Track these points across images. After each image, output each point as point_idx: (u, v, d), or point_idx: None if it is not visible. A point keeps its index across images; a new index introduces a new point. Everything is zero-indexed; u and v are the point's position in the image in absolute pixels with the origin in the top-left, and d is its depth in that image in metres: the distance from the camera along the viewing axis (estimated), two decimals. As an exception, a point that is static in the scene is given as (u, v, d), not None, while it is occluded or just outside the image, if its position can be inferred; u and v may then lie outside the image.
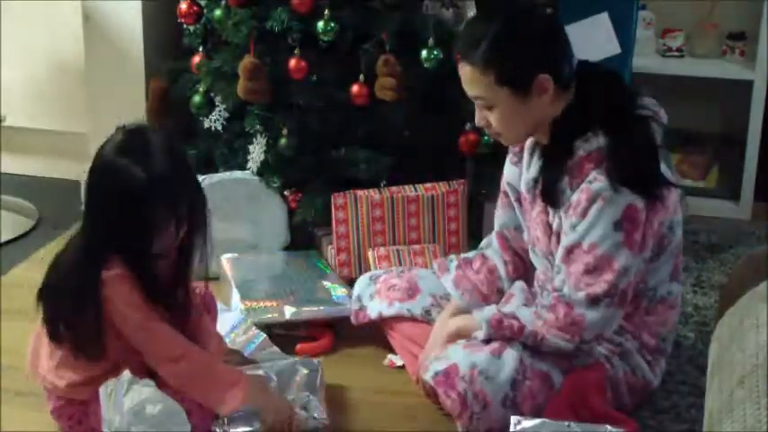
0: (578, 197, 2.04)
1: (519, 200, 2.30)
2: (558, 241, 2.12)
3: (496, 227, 2.40)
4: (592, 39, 3.04)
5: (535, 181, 2.16)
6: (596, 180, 2.02)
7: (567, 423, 1.85)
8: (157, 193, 1.94)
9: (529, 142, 2.23)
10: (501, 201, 2.38)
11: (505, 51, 2.06)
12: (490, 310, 2.14)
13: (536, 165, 2.18)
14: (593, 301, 2.04)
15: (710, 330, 1.77)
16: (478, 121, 2.15)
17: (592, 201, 2.02)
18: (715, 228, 3.30)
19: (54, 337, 2.01)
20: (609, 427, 1.87)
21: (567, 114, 2.10)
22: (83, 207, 2.04)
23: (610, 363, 2.16)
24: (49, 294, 2.02)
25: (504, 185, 2.35)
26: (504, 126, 2.12)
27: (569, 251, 2.06)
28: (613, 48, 3.09)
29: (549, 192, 2.11)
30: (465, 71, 2.10)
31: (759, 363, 1.41)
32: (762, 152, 3.41)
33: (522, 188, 2.24)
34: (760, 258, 2.09)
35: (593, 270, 2.03)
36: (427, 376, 2.09)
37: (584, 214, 2.03)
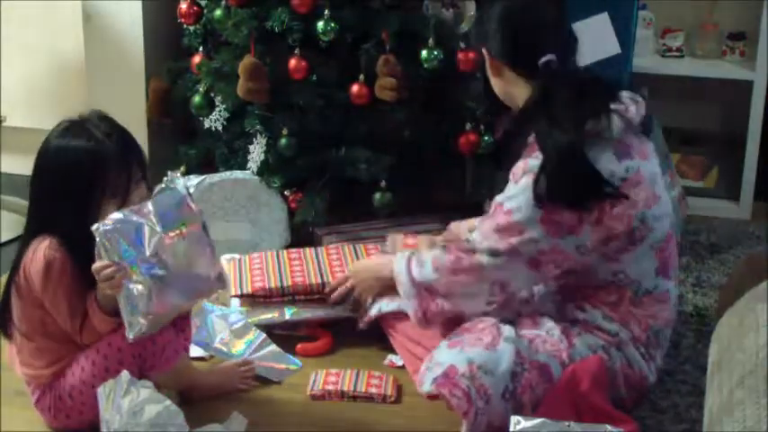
0: (517, 164, 2.14)
1: None
2: None
3: None
4: (592, 39, 3.04)
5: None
6: (537, 157, 2.10)
7: (567, 423, 1.85)
8: (88, 160, 2.06)
9: None
10: None
11: (480, 20, 2.34)
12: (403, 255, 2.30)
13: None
14: (493, 252, 2.13)
15: (710, 330, 1.77)
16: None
17: (524, 172, 2.11)
18: (715, 228, 3.30)
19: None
20: (609, 427, 1.87)
21: (525, 106, 2.20)
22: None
23: (608, 353, 2.16)
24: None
25: None
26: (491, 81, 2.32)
27: (493, 208, 2.16)
28: (613, 48, 3.09)
29: (506, 159, 2.22)
30: None
31: (759, 363, 1.41)
32: (762, 152, 3.41)
33: None
34: (760, 258, 2.09)
35: (502, 230, 2.12)
36: (426, 387, 2.09)
37: (516, 180, 2.13)
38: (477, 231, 2.19)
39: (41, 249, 2.06)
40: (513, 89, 2.23)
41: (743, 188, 3.44)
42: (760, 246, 3.14)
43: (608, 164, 2.10)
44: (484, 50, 2.27)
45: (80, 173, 2.07)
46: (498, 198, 2.16)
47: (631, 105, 2.17)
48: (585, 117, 2.12)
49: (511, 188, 2.14)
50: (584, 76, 2.24)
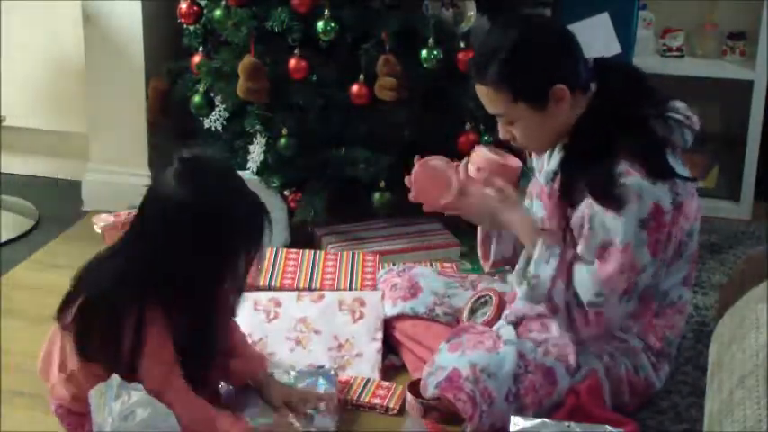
0: (609, 188, 2.02)
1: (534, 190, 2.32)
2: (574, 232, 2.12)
3: None
4: (592, 39, 3.04)
5: (555, 173, 2.17)
6: (627, 173, 2.01)
7: (567, 423, 1.85)
8: (230, 232, 1.92)
9: None
10: None
11: (517, 68, 2.06)
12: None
13: (556, 158, 2.17)
14: (620, 298, 2.06)
15: (710, 330, 1.77)
16: (503, 135, 2.17)
17: (622, 200, 2.01)
18: (715, 228, 3.30)
19: (84, 354, 1.99)
20: (609, 427, 1.87)
21: (589, 113, 2.10)
22: (133, 231, 2.00)
23: (612, 358, 2.16)
24: (84, 313, 1.98)
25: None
26: (528, 138, 2.14)
27: (604, 248, 2.04)
28: (614, 48, 3.09)
29: (567, 188, 2.11)
30: (481, 91, 2.12)
31: (759, 363, 1.41)
32: (762, 152, 3.41)
33: (542, 179, 2.24)
34: (760, 258, 2.08)
35: (626, 270, 2.03)
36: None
37: (615, 210, 2.02)
38: (593, 282, 2.05)
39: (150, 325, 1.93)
40: (571, 111, 2.10)
41: (743, 188, 3.43)
42: (760, 246, 3.13)
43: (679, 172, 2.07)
44: (514, 97, 2.06)
45: (236, 235, 1.92)
46: (603, 237, 2.03)
47: (693, 116, 2.14)
48: (659, 98, 2.10)
49: (613, 222, 2.02)
50: (623, 66, 2.22)
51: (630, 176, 2.00)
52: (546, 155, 2.21)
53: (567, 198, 2.12)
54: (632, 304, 2.10)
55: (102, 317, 1.96)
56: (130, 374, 1.95)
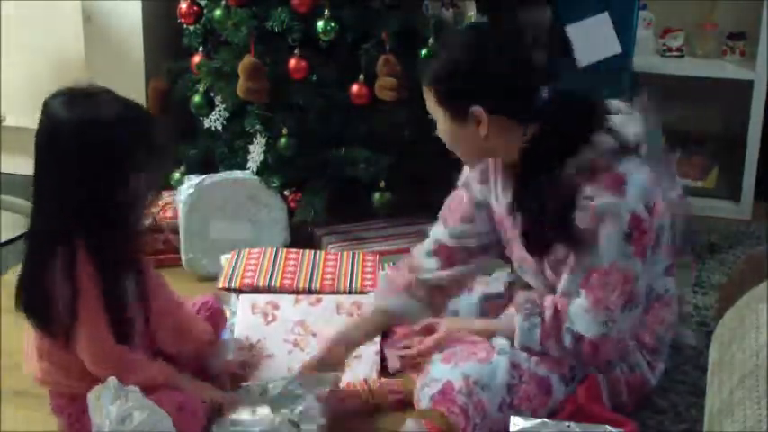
0: (581, 215, 2.00)
1: (490, 214, 2.28)
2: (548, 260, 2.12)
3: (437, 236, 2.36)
4: (592, 39, 3.04)
5: (512, 205, 2.13)
6: (596, 196, 1.99)
7: (567, 423, 1.85)
8: (112, 140, 1.94)
9: (500, 165, 2.20)
10: (454, 204, 2.36)
11: (445, 76, 2.04)
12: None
13: (509, 190, 2.14)
14: (623, 309, 2.04)
15: (710, 330, 1.77)
16: (438, 132, 2.13)
17: (599, 219, 1.99)
18: (715, 228, 3.30)
19: (33, 324, 2.05)
20: (609, 427, 1.87)
21: (534, 146, 2.04)
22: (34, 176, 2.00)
23: (608, 363, 2.15)
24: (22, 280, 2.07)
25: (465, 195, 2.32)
26: (449, 144, 2.12)
27: (589, 275, 2.03)
28: (614, 48, 3.09)
29: (536, 243, 2.09)
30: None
31: (759, 363, 1.41)
32: (762, 152, 3.41)
33: (500, 210, 2.21)
34: (760, 258, 2.09)
35: (614, 287, 2.02)
36: (424, 403, 2.07)
37: (593, 235, 2.00)
38: (588, 310, 2.03)
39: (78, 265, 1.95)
40: (500, 138, 2.05)
41: (743, 188, 3.44)
42: (760, 246, 3.13)
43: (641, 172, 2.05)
44: (449, 111, 2.04)
45: (127, 149, 1.94)
46: (588, 264, 2.02)
47: (633, 112, 2.10)
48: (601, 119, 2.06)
49: (596, 248, 2.00)
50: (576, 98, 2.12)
51: (599, 199, 1.98)
52: (500, 184, 2.19)
53: (536, 252, 2.11)
54: (639, 310, 2.09)
55: (33, 276, 2.03)
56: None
